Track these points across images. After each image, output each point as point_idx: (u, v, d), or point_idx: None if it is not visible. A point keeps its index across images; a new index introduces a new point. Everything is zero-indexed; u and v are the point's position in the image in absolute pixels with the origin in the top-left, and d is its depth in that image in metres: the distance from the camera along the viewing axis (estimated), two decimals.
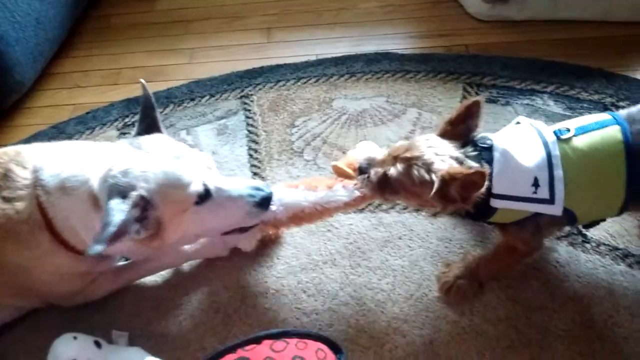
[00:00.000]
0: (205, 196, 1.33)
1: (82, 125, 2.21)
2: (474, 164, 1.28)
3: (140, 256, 1.50)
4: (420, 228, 1.69)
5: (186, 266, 1.67)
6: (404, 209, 1.75)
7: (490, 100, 2.09)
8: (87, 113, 2.26)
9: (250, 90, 2.27)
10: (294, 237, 1.71)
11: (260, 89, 2.26)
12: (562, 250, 1.60)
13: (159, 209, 1.28)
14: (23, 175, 1.35)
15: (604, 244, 1.60)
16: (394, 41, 2.45)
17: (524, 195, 1.28)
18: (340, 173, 1.48)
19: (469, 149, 1.32)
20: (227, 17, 2.72)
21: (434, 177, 1.23)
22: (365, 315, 1.52)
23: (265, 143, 2.04)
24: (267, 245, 1.69)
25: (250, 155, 2.00)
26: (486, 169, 1.22)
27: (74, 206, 1.31)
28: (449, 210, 1.33)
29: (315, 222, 1.61)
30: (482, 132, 1.35)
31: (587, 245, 1.60)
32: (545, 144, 1.29)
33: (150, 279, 1.65)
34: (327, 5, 2.68)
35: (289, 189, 1.51)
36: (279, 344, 1.25)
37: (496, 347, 1.43)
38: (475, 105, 1.33)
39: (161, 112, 2.20)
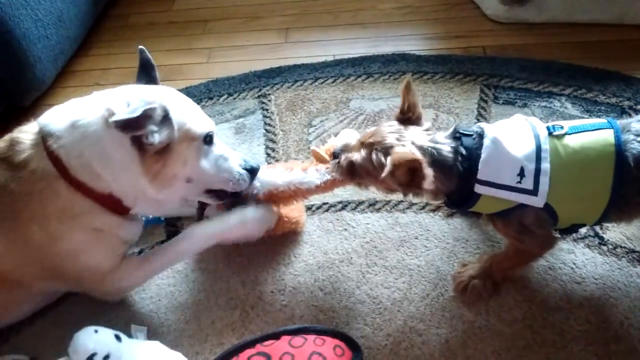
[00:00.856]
0: (209, 142, 1.47)
1: None
2: (444, 151, 1.30)
3: (155, 208, 1.57)
4: (437, 228, 1.70)
5: (203, 263, 1.69)
6: (421, 209, 1.76)
7: (507, 102, 2.09)
8: None
9: (267, 90, 2.28)
10: (311, 236, 1.72)
11: (277, 89, 2.28)
12: (578, 252, 1.60)
13: (174, 128, 1.35)
14: (28, 137, 1.37)
15: (621, 246, 1.60)
16: (412, 42, 2.46)
17: (508, 183, 1.29)
18: (318, 157, 1.59)
19: (442, 134, 1.34)
20: (245, 17, 2.74)
21: (387, 161, 1.25)
22: (382, 314, 1.53)
23: (283, 142, 2.06)
24: (284, 244, 1.71)
25: (268, 154, 2.02)
26: (421, 157, 1.22)
27: (86, 137, 1.33)
28: (411, 194, 1.35)
29: (290, 203, 1.68)
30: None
31: (604, 247, 1.61)
32: (537, 137, 1.30)
33: (169, 276, 1.67)
34: (344, 6, 2.70)
35: (266, 169, 1.65)
36: (298, 340, 1.27)
37: (512, 347, 1.43)
38: (408, 83, 1.38)
39: None
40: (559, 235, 1.43)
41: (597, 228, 1.64)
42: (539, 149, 1.28)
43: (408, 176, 1.26)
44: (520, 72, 2.20)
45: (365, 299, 1.56)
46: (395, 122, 1.38)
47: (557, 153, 1.29)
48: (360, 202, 1.81)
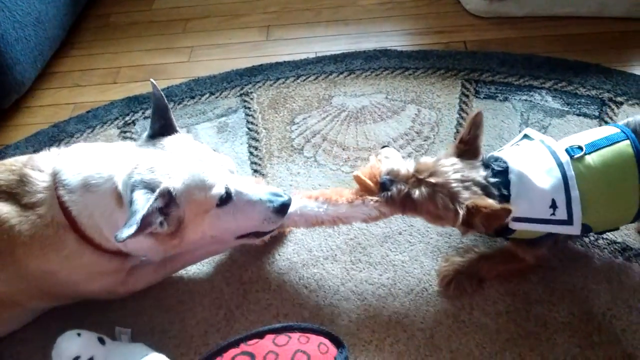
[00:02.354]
0: (226, 199, 1.36)
1: (83, 124, 2.21)
2: (494, 191, 1.31)
3: (160, 256, 1.50)
4: (420, 223, 1.70)
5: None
6: None
7: (488, 97, 2.10)
8: (88, 112, 2.27)
9: (250, 88, 2.28)
10: (295, 234, 1.72)
11: (259, 87, 2.27)
12: (561, 245, 1.61)
13: (182, 208, 1.30)
14: (41, 179, 1.35)
15: (603, 238, 1.61)
16: (393, 38, 2.46)
17: (543, 217, 1.32)
18: (363, 184, 1.47)
19: (489, 173, 1.34)
20: (226, 15, 2.73)
21: (458, 207, 1.28)
22: (367, 310, 1.53)
23: (266, 140, 2.05)
24: (268, 242, 1.69)
25: (251, 153, 2.01)
26: (510, 206, 1.25)
27: (97, 204, 1.31)
28: (470, 233, 1.41)
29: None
30: (493, 150, 1.40)
31: (586, 239, 1.62)
32: (560, 165, 1.32)
33: None
34: (326, 3, 2.70)
35: (309, 200, 1.51)
36: (282, 338, 1.27)
37: (496, 339, 1.44)
38: (479, 116, 1.37)
39: None
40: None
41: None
42: (565, 177, 1.30)
43: (486, 222, 1.28)
44: (501, 67, 2.21)
45: (350, 296, 1.57)
46: (455, 159, 1.37)
47: (581, 176, 1.31)
48: None
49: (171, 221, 1.30)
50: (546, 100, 2.06)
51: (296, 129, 2.08)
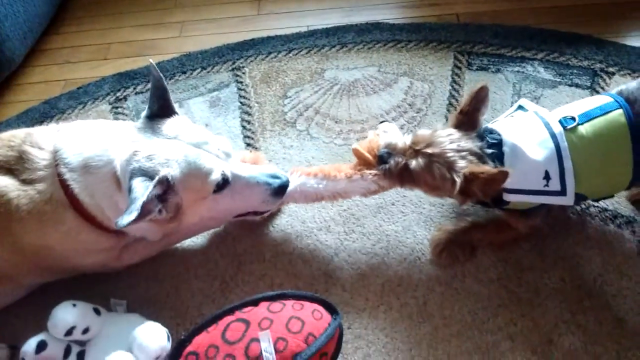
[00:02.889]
0: (223, 184, 1.37)
1: (74, 100, 2.20)
2: (490, 162, 1.33)
3: (158, 237, 1.51)
4: (413, 194, 1.71)
5: None
6: None
7: (481, 68, 2.10)
8: (79, 88, 2.26)
9: (241, 63, 2.27)
10: (288, 206, 1.72)
11: (251, 61, 2.26)
12: (553, 213, 1.62)
13: (179, 195, 1.31)
14: (41, 156, 1.35)
15: (594, 206, 1.63)
16: (385, 11, 2.45)
17: (536, 188, 1.33)
18: (361, 157, 1.48)
19: (484, 144, 1.35)
20: None
21: (455, 176, 1.29)
22: (360, 279, 1.54)
23: (258, 114, 2.05)
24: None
25: (244, 127, 2.01)
26: (509, 168, 1.25)
27: (97, 185, 1.31)
28: (468, 202, 1.39)
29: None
30: (486, 121, 1.40)
31: (577, 208, 1.63)
32: (553, 136, 1.32)
33: None
34: None
35: (308, 177, 1.51)
36: (276, 305, 1.28)
37: (488, 306, 1.46)
38: (483, 90, 1.38)
39: None
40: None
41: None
42: (558, 148, 1.31)
43: (485, 187, 1.28)
44: (493, 38, 2.21)
45: (343, 266, 1.58)
46: (453, 130, 1.37)
47: (574, 147, 1.32)
48: None
49: (169, 207, 1.31)
50: (538, 72, 2.06)
51: (289, 103, 2.07)
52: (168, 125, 1.39)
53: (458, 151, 1.32)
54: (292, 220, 1.69)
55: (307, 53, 2.26)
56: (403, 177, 1.39)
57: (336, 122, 1.98)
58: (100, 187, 1.32)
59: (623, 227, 1.58)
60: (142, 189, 1.21)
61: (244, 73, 2.22)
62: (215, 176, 1.34)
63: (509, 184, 1.29)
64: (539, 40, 2.18)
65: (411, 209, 1.68)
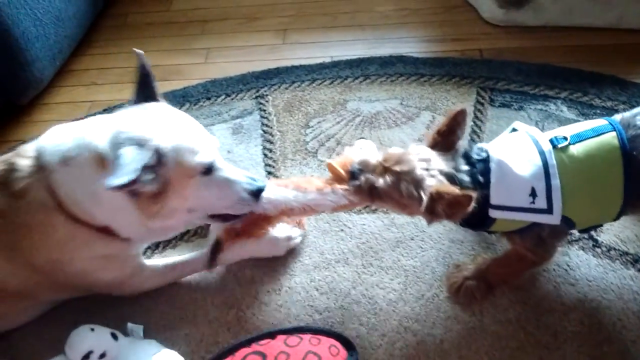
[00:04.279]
0: (208, 170, 1.37)
1: None
2: (466, 178, 1.30)
3: (139, 233, 1.47)
4: (432, 229, 1.71)
5: None
6: None
7: (503, 105, 2.10)
8: (104, 110, 2.29)
9: (265, 91, 2.29)
10: (307, 236, 1.73)
11: (275, 90, 2.29)
12: (572, 254, 1.61)
13: (169, 169, 1.29)
14: (25, 164, 1.34)
15: (615, 249, 1.61)
16: (409, 44, 2.47)
17: (522, 205, 1.29)
18: (334, 173, 1.47)
19: (461, 162, 1.33)
20: (243, 17, 2.75)
21: (422, 194, 1.25)
22: (377, 314, 1.54)
23: (280, 143, 2.07)
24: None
25: (265, 155, 2.03)
26: (473, 193, 1.22)
27: (77, 176, 1.30)
28: (436, 222, 1.34)
29: (301, 217, 1.66)
30: (486, 140, 1.38)
31: (598, 250, 1.62)
32: (542, 153, 1.30)
33: None
34: (342, 8, 2.71)
35: (279, 188, 1.51)
36: (293, 339, 1.28)
37: (505, 347, 1.44)
38: (461, 114, 1.35)
39: None
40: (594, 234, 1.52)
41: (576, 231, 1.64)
42: (545, 165, 1.28)
43: (449, 209, 1.24)
44: (516, 75, 2.21)
45: (360, 299, 1.57)
46: (424, 148, 1.35)
47: (564, 166, 1.29)
48: None
49: (158, 180, 1.28)
50: (561, 110, 2.06)
51: (310, 133, 2.09)
52: (155, 105, 1.40)
53: (427, 169, 1.29)
54: (310, 251, 1.70)
55: (330, 83, 2.29)
56: (372, 194, 1.35)
57: (341, 146, 1.99)
58: (80, 177, 1.30)
59: None
60: (135, 155, 1.19)
61: (267, 101, 2.24)
62: (206, 157, 1.35)
63: (494, 199, 1.28)
64: (562, 79, 2.18)
65: (430, 244, 1.68)
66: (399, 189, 1.29)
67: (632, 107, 1.97)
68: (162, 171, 1.28)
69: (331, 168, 1.47)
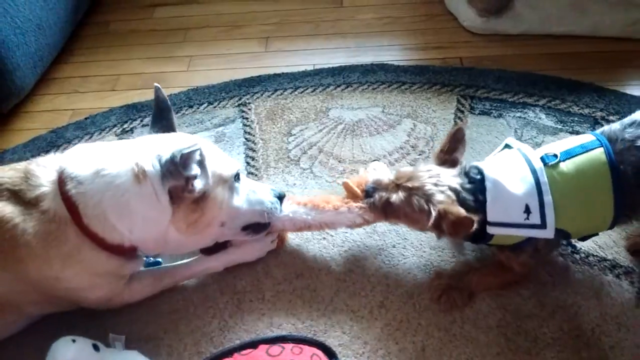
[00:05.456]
0: (238, 179, 1.50)
1: (81, 130, 2.23)
2: (469, 197, 1.38)
3: (172, 248, 1.50)
4: (414, 237, 1.72)
5: None
6: None
7: (483, 113, 2.13)
8: (86, 118, 2.29)
9: (248, 99, 2.30)
10: (289, 245, 1.74)
11: (257, 98, 2.30)
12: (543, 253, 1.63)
13: (208, 175, 1.38)
14: (44, 173, 1.36)
15: (593, 255, 1.64)
16: (390, 53, 2.49)
17: (517, 221, 1.36)
18: (350, 191, 1.59)
19: (465, 180, 1.41)
20: (225, 26, 2.75)
21: (432, 208, 1.34)
22: (359, 322, 1.55)
23: (263, 151, 2.07)
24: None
25: (248, 163, 2.03)
26: (475, 216, 1.30)
27: (109, 186, 1.32)
28: (444, 237, 1.45)
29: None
30: (474, 157, 1.44)
31: (577, 256, 1.64)
32: (534, 171, 1.37)
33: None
34: (325, 16, 2.73)
35: (298, 206, 1.61)
36: (275, 349, 1.28)
37: (486, 353, 1.46)
38: (460, 132, 1.49)
39: None
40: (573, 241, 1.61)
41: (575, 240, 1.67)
42: (538, 183, 1.35)
43: (453, 228, 1.33)
44: (496, 83, 2.24)
45: (343, 308, 1.58)
46: (433, 166, 1.45)
47: (555, 182, 1.36)
48: None
49: (203, 182, 1.37)
50: (540, 118, 2.09)
51: (293, 141, 2.10)
52: (177, 134, 1.51)
53: (436, 185, 1.38)
54: (293, 259, 1.70)
55: (312, 91, 2.30)
56: (386, 210, 1.46)
57: (339, 161, 2.00)
58: (112, 187, 1.32)
59: (622, 278, 1.59)
60: (191, 154, 1.30)
61: (249, 109, 2.25)
62: (235, 165, 1.48)
63: (491, 216, 1.35)
64: (541, 86, 2.21)
65: (412, 252, 1.69)
66: (411, 203, 1.39)
67: (610, 113, 2.02)
68: (204, 175, 1.37)
69: (347, 186, 1.59)
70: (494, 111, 2.13)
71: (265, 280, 1.66)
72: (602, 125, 1.97)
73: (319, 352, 1.29)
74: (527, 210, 1.35)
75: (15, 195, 1.34)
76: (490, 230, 1.39)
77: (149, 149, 1.37)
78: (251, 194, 1.52)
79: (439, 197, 1.36)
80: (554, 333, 1.49)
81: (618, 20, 2.35)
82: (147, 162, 1.33)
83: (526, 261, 1.48)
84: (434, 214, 1.34)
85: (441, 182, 1.39)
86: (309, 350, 1.29)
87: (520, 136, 2.01)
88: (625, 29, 2.36)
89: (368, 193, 1.50)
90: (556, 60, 2.35)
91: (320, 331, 1.53)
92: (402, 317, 1.55)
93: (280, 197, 1.57)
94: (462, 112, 2.14)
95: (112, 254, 1.41)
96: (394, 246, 1.71)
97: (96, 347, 1.38)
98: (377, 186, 1.48)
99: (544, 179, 1.35)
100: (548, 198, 1.34)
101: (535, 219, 1.35)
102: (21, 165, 1.40)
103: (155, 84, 1.51)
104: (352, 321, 1.55)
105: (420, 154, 1.99)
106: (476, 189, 1.39)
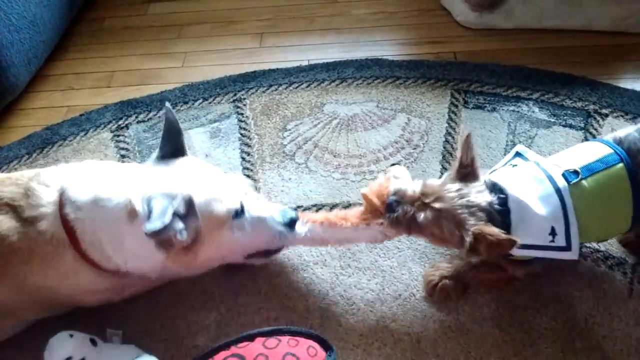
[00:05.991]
0: (240, 213, 1.41)
1: (76, 127, 2.23)
2: (498, 217, 1.33)
3: (165, 277, 1.51)
4: None
5: None
6: None
7: (477, 107, 2.14)
8: (81, 115, 2.29)
9: (243, 94, 2.30)
10: None
11: (252, 93, 2.30)
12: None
13: (200, 219, 1.32)
14: (46, 193, 1.35)
15: (586, 246, 1.65)
16: (385, 48, 2.50)
17: (542, 243, 1.34)
18: (369, 204, 1.45)
19: (495, 199, 1.35)
20: (220, 21, 2.75)
21: (465, 234, 1.29)
22: (355, 315, 1.56)
23: (258, 146, 2.08)
24: None
25: (243, 158, 2.04)
26: (517, 238, 1.25)
27: (105, 218, 1.31)
28: (475, 257, 1.38)
29: None
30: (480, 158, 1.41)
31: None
32: (558, 191, 1.34)
33: None
34: (319, 12, 2.73)
35: (314, 225, 1.52)
36: (272, 341, 1.29)
37: (481, 345, 1.47)
38: (469, 137, 1.39)
39: (155, 115, 2.23)
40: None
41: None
42: (563, 204, 1.33)
43: (490, 250, 1.27)
44: (489, 77, 2.25)
45: (338, 300, 1.59)
46: (460, 185, 1.36)
47: (577, 199, 1.34)
48: (335, 205, 1.84)
49: (189, 232, 1.31)
50: (533, 111, 2.10)
51: (288, 136, 2.11)
52: (182, 161, 1.44)
53: (467, 207, 1.32)
54: (288, 253, 1.71)
55: (307, 87, 2.30)
56: (411, 226, 1.38)
57: (334, 156, 2.01)
58: (107, 220, 1.32)
59: (614, 269, 1.61)
60: (165, 204, 1.23)
61: (244, 105, 2.25)
62: (234, 204, 1.39)
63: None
64: (534, 80, 2.23)
65: (407, 244, 1.71)
66: (439, 225, 1.33)
67: (602, 107, 2.04)
68: (194, 222, 1.31)
69: (366, 198, 1.46)
70: (487, 105, 2.14)
71: (261, 274, 1.66)
72: (595, 119, 2.00)
73: (315, 345, 1.30)
74: (553, 233, 1.32)
75: (14, 210, 1.34)
76: (515, 252, 1.33)
77: (145, 184, 1.34)
78: (256, 224, 1.44)
79: (471, 220, 1.29)
80: (547, 324, 1.51)
81: (611, 14, 2.36)
82: (139, 201, 1.30)
83: (532, 271, 1.49)
84: (468, 240, 1.27)
85: (471, 202, 1.32)
86: (305, 342, 1.30)
87: (514, 130, 2.02)
88: (619, 23, 2.37)
89: (391, 207, 1.39)
90: (549, 54, 2.36)
91: (316, 324, 1.54)
92: (398, 309, 1.56)
93: (292, 222, 1.48)
94: (456, 106, 2.15)
95: (113, 275, 1.42)
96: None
97: (94, 342, 1.39)
98: (400, 199, 1.38)
99: (569, 200, 1.32)
100: (573, 219, 1.32)
101: (560, 241, 1.33)
102: (23, 180, 1.39)
103: (167, 104, 1.47)
104: (348, 314, 1.56)
105: (414, 148, 2.00)
106: (503, 210, 1.34)
